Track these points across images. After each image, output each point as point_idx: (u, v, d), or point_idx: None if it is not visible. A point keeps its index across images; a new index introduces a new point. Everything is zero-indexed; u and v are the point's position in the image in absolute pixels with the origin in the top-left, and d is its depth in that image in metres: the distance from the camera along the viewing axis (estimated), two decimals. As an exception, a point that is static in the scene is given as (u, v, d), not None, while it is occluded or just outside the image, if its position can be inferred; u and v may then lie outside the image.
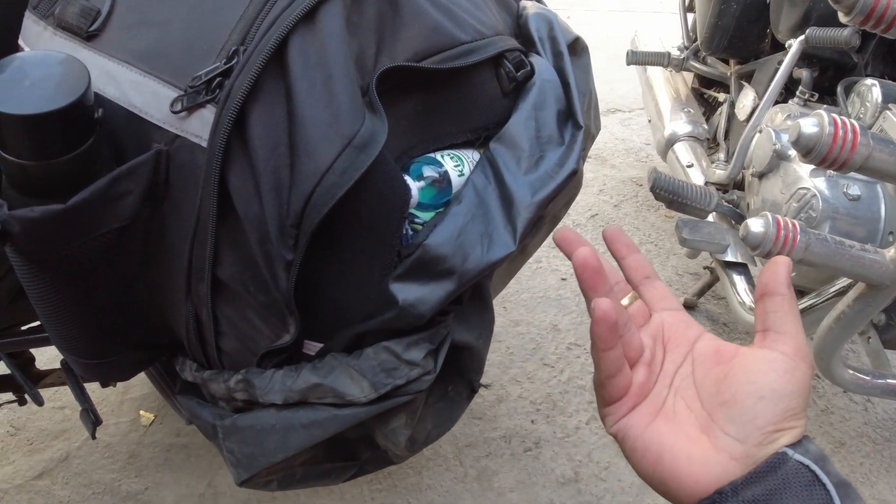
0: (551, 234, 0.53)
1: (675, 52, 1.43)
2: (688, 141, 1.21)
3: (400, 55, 0.44)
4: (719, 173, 0.99)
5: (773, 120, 0.95)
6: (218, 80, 0.39)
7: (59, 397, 1.14)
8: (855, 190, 0.72)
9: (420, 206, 0.48)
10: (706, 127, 1.25)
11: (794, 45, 0.89)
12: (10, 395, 0.85)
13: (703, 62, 1.38)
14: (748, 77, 1.18)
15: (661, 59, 1.41)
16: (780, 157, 0.83)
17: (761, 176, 0.87)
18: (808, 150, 0.56)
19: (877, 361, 0.74)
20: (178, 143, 0.41)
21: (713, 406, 0.35)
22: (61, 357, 0.74)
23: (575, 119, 0.50)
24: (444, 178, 0.49)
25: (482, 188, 0.47)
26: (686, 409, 0.37)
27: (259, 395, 0.49)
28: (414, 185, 0.47)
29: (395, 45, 0.44)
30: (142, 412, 1.12)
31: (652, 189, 0.96)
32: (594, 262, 0.37)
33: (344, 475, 0.57)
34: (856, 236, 0.73)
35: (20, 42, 0.47)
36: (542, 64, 0.52)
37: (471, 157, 0.51)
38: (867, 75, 0.88)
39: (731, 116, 1.19)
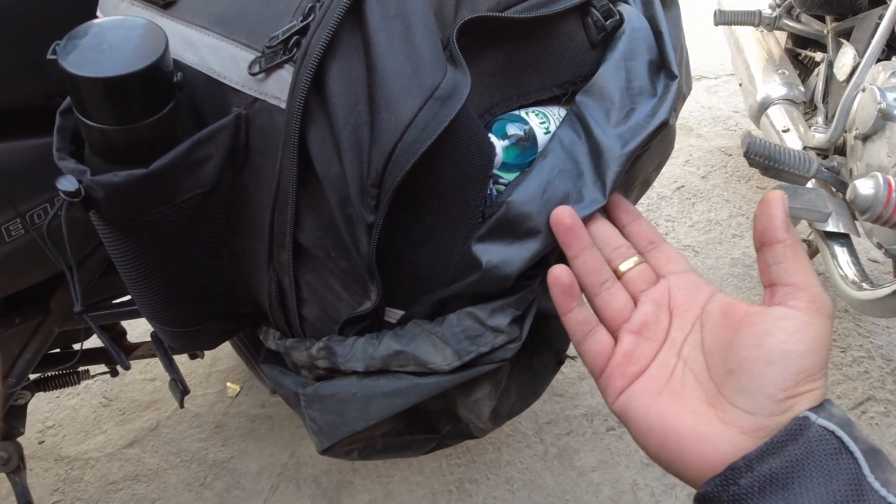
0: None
1: (766, 11, 1.32)
2: (783, 104, 1.11)
3: (481, 5, 0.41)
4: (818, 137, 0.90)
5: (876, 78, 0.85)
6: (295, 38, 0.38)
7: (150, 370, 1.21)
8: None
9: (504, 167, 0.45)
10: (802, 89, 1.14)
11: (900, -3, 0.80)
12: (102, 367, 0.91)
13: (798, 20, 1.26)
14: (846, 34, 1.07)
15: (751, 18, 1.30)
16: (885, 118, 0.74)
17: (865, 138, 0.79)
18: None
19: None
20: (258, 105, 0.40)
21: (721, 376, 0.32)
22: (151, 330, 0.78)
23: (669, 69, 0.45)
24: (530, 137, 0.46)
25: (570, 144, 0.44)
26: (694, 382, 0.33)
27: (340, 363, 0.48)
28: (498, 144, 0.45)
29: (476, -2, 0.41)
30: (228, 384, 1.17)
31: (746, 154, 0.88)
32: (567, 219, 0.38)
33: (424, 448, 0.56)
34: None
35: (98, 13, 0.48)
36: (631, 12, 0.47)
37: (557, 113, 0.47)
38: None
39: (830, 77, 1.08)
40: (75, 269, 0.44)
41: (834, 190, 0.89)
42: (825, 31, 1.16)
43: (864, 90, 0.83)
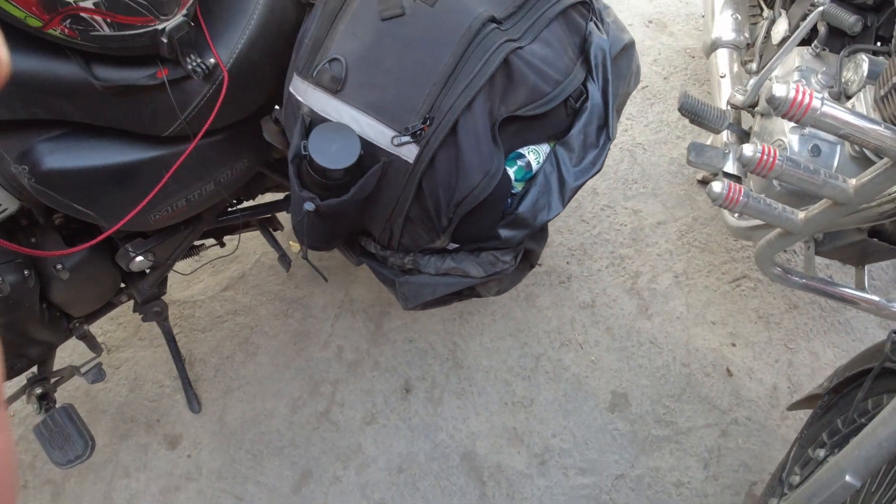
0: None
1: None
2: (728, 48, 1.42)
3: (511, 107, 0.77)
4: (739, 98, 1.25)
5: (788, 64, 1.18)
6: (418, 131, 0.73)
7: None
8: (817, 147, 1.01)
9: (516, 179, 0.85)
10: (747, 35, 1.44)
11: (814, 14, 1.09)
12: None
13: (761, -33, 1.49)
14: (791, 1, 1.34)
15: (723, -43, 1.52)
16: (773, 108, 1.10)
17: (762, 115, 1.15)
18: (774, 107, 0.77)
19: (808, 266, 1.11)
20: (394, 159, 0.76)
21: None
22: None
23: (608, 131, 0.82)
24: (528, 165, 0.84)
25: (549, 173, 0.83)
26: None
27: (421, 267, 0.91)
28: (511, 170, 0.83)
29: (507, 101, 0.76)
30: (290, 242, 1.59)
31: (679, 108, 1.24)
32: None
33: (455, 301, 1.03)
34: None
35: (291, 89, 0.79)
36: (593, 90, 0.82)
37: (545, 149, 0.85)
38: (876, 42, 1.09)
39: (768, 35, 1.38)
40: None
41: (741, 139, 1.27)
42: (775, -12, 1.42)
43: (769, 80, 1.16)
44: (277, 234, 1.45)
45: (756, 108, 1.20)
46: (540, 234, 0.89)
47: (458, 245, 0.88)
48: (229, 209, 1.19)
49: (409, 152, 0.75)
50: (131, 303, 1.21)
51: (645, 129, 1.81)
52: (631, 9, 2.13)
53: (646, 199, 1.66)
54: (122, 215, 0.86)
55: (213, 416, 1.35)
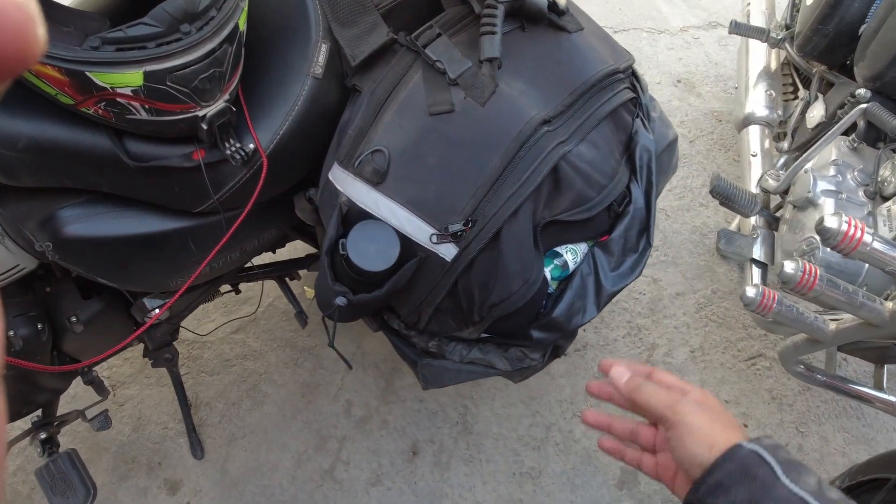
0: None
1: (774, 31, 1.53)
2: (761, 125, 1.42)
3: (554, 211, 0.76)
4: (771, 183, 1.24)
5: (824, 157, 1.17)
6: (459, 232, 0.72)
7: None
8: (851, 251, 1.00)
9: (551, 278, 0.83)
10: (780, 113, 1.43)
11: (855, 111, 1.09)
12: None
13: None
14: (830, 85, 1.34)
15: (759, 35, 1.52)
16: (810, 203, 1.09)
17: (794, 206, 1.14)
18: (824, 238, 0.80)
19: (829, 364, 1.09)
20: (430, 255, 0.75)
21: None
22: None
23: (649, 237, 0.81)
24: (565, 264, 0.83)
25: (586, 276, 0.81)
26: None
27: (445, 353, 0.89)
28: (547, 268, 0.82)
29: (552, 206, 0.75)
30: (305, 287, 1.57)
31: (711, 191, 1.23)
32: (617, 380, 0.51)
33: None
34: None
35: (330, 177, 0.78)
36: (636, 193, 0.81)
37: (583, 249, 0.84)
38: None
39: (802, 115, 1.37)
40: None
41: (770, 225, 1.26)
42: (813, 71, 1.41)
43: (805, 172, 1.16)
44: (293, 284, 1.44)
45: (789, 198, 1.19)
46: (571, 335, 0.87)
47: (485, 335, 0.87)
48: (249, 265, 1.17)
49: (447, 251, 0.74)
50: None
51: (668, 193, 1.80)
52: (660, 66, 2.13)
53: (666, 268, 1.64)
54: (144, 284, 0.85)
55: (216, 464, 1.33)
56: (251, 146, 0.72)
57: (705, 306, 1.58)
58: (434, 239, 0.73)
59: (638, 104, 0.88)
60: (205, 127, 0.68)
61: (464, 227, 0.72)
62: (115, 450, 1.35)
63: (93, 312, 0.96)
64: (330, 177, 0.78)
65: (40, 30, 0.15)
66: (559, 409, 1.41)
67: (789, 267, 0.89)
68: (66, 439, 1.35)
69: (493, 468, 1.33)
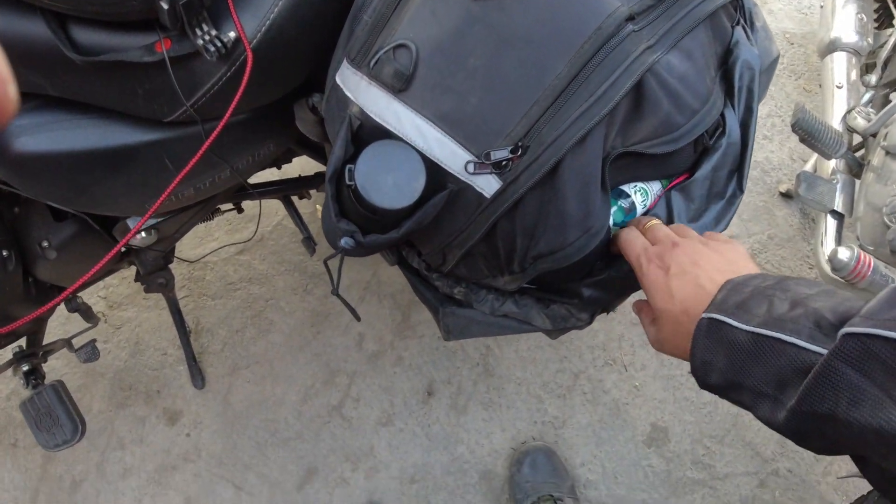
0: None
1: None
2: (848, 52, 1.19)
3: (630, 139, 0.58)
4: (860, 123, 1.03)
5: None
6: (506, 161, 0.55)
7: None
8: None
9: (613, 223, 0.67)
10: (871, 41, 1.19)
11: None
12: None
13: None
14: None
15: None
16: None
17: (887, 152, 0.94)
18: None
19: None
20: (464, 188, 0.59)
21: None
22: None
23: (741, 181, 0.64)
24: (631, 206, 0.67)
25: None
26: None
27: (473, 303, 0.75)
28: (612, 207, 0.65)
29: (628, 132, 0.58)
30: (318, 206, 1.43)
31: (793, 125, 1.03)
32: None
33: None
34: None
35: (338, 80, 0.61)
36: (731, 122, 0.63)
37: (655, 189, 0.67)
38: None
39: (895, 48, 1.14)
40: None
41: (852, 171, 1.06)
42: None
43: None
44: (303, 202, 1.29)
45: (881, 142, 0.99)
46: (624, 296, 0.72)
47: (525, 286, 0.72)
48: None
49: (488, 185, 0.57)
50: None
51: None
52: (728, -29, 1.84)
53: (718, 207, 1.46)
54: (114, 209, 0.71)
55: (218, 395, 1.25)
56: (232, 35, 0.54)
57: (760, 252, 1.41)
58: (471, 168, 0.57)
59: (740, 7, 0.68)
60: (165, 6, 0.50)
61: (511, 156, 0.55)
62: (111, 376, 1.27)
63: (66, 236, 0.82)
64: (338, 79, 0.61)
65: (11, 89, 0.16)
66: (590, 356, 1.29)
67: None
68: (60, 362, 1.27)
69: (513, 415, 1.24)
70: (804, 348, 0.39)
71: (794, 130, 1.04)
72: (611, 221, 0.65)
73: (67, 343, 1.04)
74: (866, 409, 0.34)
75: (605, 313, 0.84)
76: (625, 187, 0.65)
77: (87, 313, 1.05)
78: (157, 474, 1.19)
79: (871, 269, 0.76)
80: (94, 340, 1.02)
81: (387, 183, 0.55)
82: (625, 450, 1.22)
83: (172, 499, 1.18)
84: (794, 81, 1.65)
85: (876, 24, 1.28)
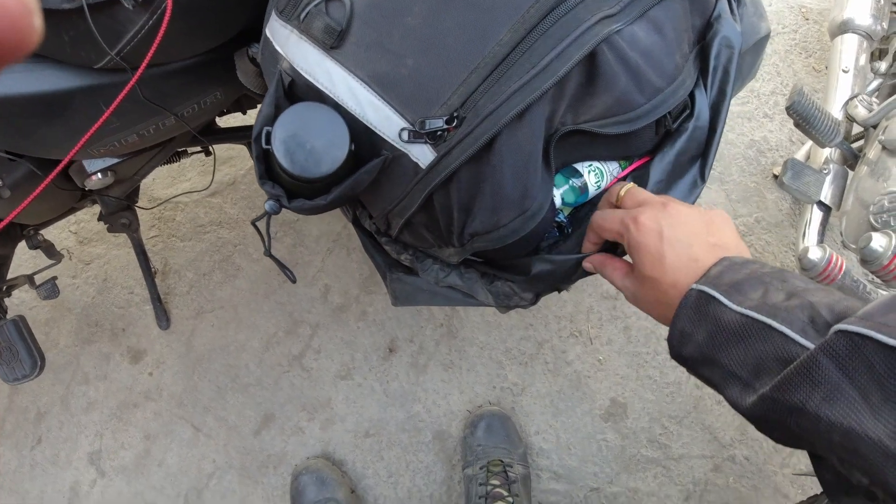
0: None
1: None
2: (859, 36, 1.11)
3: (581, 116, 0.54)
4: (861, 112, 0.97)
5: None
6: (440, 131, 0.52)
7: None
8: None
9: (563, 203, 0.64)
10: (885, 26, 1.11)
11: None
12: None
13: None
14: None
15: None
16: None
17: (884, 148, 0.89)
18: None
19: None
20: (400, 155, 0.55)
21: None
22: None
23: (703, 168, 0.59)
24: (584, 187, 0.63)
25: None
26: None
27: (419, 271, 0.73)
28: (559, 190, 0.62)
29: (579, 109, 0.53)
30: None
31: (788, 108, 0.98)
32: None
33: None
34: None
35: (268, 33, 0.56)
36: (701, 106, 0.58)
37: (612, 170, 0.63)
38: None
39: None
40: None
41: (847, 162, 1.01)
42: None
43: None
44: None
45: (879, 135, 0.93)
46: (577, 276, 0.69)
47: (472, 258, 0.70)
48: (212, 127, 0.99)
49: (423, 155, 0.54)
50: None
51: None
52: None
53: (710, 184, 1.42)
54: (57, 153, 0.68)
55: (181, 337, 1.25)
56: (151, -20, 0.50)
57: (745, 235, 1.37)
58: (405, 136, 0.54)
59: (726, -23, 0.62)
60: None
61: (446, 126, 0.51)
62: (79, 311, 1.27)
63: (19, 176, 0.80)
64: (267, 32, 0.56)
65: (37, 20, 0.16)
66: (556, 326, 1.28)
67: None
68: (30, 296, 1.27)
69: (472, 378, 1.24)
70: (793, 340, 0.38)
71: (788, 114, 0.98)
72: (559, 202, 0.62)
73: (29, 279, 1.03)
74: (839, 408, 0.34)
75: (558, 292, 0.82)
76: (578, 166, 0.62)
77: (50, 250, 1.03)
78: (119, 410, 1.21)
79: (842, 272, 0.73)
80: (54, 278, 1.01)
81: (304, 148, 0.51)
82: (581, 422, 1.22)
83: (132, 435, 1.20)
84: (805, 59, 1.56)
85: (894, 9, 1.19)
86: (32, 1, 0.16)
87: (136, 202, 1.08)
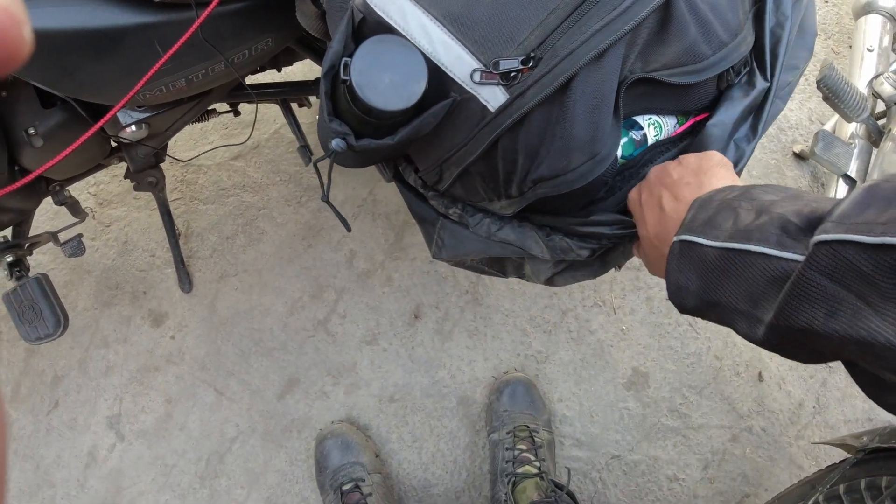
0: None
1: None
2: (884, 17, 1.11)
3: (651, 64, 0.54)
4: (887, 89, 0.98)
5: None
6: (515, 72, 0.51)
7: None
8: None
9: (621, 156, 0.63)
10: None
11: None
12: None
13: None
14: None
15: None
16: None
17: None
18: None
19: None
20: (468, 98, 0.55)
21: None
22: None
23: (759, 124, 0.59)
24: (643, 139, 0.63)
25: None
26: None
27: (469, 225, 0.72)
28: (621, 139, 0.62)
29: (649, 56, 0.53)
30: (317, 116, 1.38)
31: (819, 82, 0.98)
32: None
33: (488, 274, 0.86)
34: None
35: None
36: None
37: (670, 124, 0.63)
38: None
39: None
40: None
41: (872, 137, 1.01)
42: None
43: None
44: (303, 111, 1.24)
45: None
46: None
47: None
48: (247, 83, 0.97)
49: (493, 97, 0.54)
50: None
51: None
52: None
53: (730, 158, 1.42)
54: (101, 95, 0.67)
55: (204, 301, 1.24)
56: None
57: (765, 208, 1.38)
58: (477, 77, 0.53)
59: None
60: None
61: (521, 67, 0.51)
62: (98, 274, 1.26)
63: (53, 124, 0.79)
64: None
65: (27, 31, 0.16)
66: (580, 296, 1.28)
67: None
68: (47, 257, 1.25)
69: (497, 345, 1.24)
70: (773, 256, 0.38)
71: (818, 87, 0.98)
72: (619, 152, 0.62)
73: (53, 236, 1.02)
74: (844, 320, 0.33)
75: (617, 269, 0.82)
76: (638, 118, 0.62)
77: (75, 207, 1.02)
78: (140, 374, 1.20)
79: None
80: (80, 235, 1.00)
81: (384, 82, 0.51)
82: (604, 390, 1.23)
83: (153, 399, 1.19)
84: (824, 41, 1.55)
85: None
86: (22, 12, 0.16)
87: (164, 160, 1.07)
